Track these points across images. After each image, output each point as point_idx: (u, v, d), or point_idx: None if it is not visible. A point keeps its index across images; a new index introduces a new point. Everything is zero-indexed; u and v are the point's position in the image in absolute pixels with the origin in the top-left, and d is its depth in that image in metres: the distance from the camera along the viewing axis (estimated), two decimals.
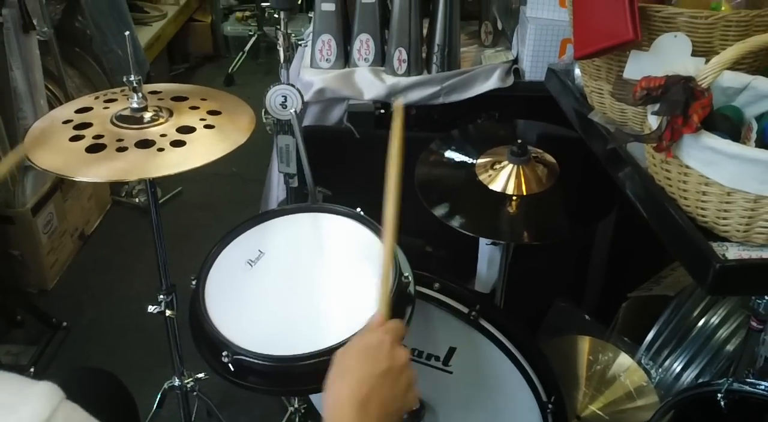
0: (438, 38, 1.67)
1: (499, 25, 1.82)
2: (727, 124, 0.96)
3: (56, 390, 0.52)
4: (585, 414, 1.48)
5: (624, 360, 1.50)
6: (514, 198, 1.28)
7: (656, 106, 0.92)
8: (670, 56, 1.02)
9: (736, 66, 0.97)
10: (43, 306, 2.34)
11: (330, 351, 0.96)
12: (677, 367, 1.51)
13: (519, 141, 1.30)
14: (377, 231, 1.17)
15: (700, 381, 1.47)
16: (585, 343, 1.54)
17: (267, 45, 4.25)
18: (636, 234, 1.67)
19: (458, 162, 1.40)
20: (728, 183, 0.88)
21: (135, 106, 1.26)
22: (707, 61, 0.93)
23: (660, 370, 1.51)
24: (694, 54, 1.02)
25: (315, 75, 1.69)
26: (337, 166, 1.65)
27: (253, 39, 4.19)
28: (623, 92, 1.04)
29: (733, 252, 0.90)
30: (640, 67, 1.05)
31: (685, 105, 0.87)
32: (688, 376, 1.50)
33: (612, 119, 1.19)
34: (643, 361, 1.52)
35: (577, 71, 1.31)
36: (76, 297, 2.48)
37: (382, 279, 0.93)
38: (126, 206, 3.00)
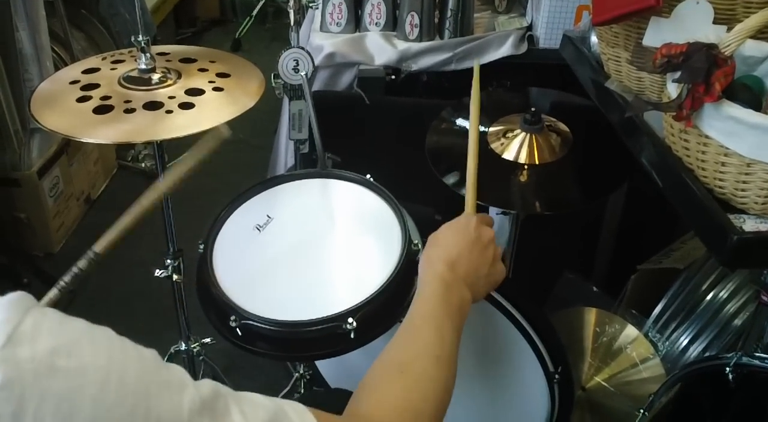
0: (451, 3, 1.64)
1: None
2: (748, 93, 0.93)
3: (27, 297, 0.51)
4: (590, 385, 1.48)
5: (631, 332, 1.49)
6: (526, 167, 1.26)
7: (677, 74, 0.90)
8: (691, 23, 1.00)
9: (758, 34, 0.94)
10: (49, 270, 2.34)
11: (338, 318, 0.96)
12: (684, 340, 1.51)
13: (533, 109, 1.28)
14: (386, 198, 1.16)
15: (707, 354, 1.46)
16: (592, 315, 1.54)
17: (274, 10, 4.20)
18: (647, 206, 1.66)
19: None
20: (748, 154, 0.86)
21: (143, 67, 1.24)
22: (729, 29, 0.91)
23: (667, 343, 1.51)
24: (716, 21, 0.99)
25: (325, 39, 1.67)
26: (347, 132, 1.63)
27: (261, 3, 4.14)
28: (642, 60, 1.02)
29: (750, 225, 0.89)
30: (659, 34, 1.03)
31: (707, 73, 0.85)
32: (695, 350, 1.50)
33: (629, 88, 1.16)
34: (650, 334, 1.51)
35: (594, 38, 1.28)
36: None
37: (470, 174, 1.08)
38: (132, 171, 2.99)
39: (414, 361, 0.79)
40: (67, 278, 0.86)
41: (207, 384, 0.56)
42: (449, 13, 1.64)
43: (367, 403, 0.75)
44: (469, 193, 1.07)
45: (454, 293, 0.88)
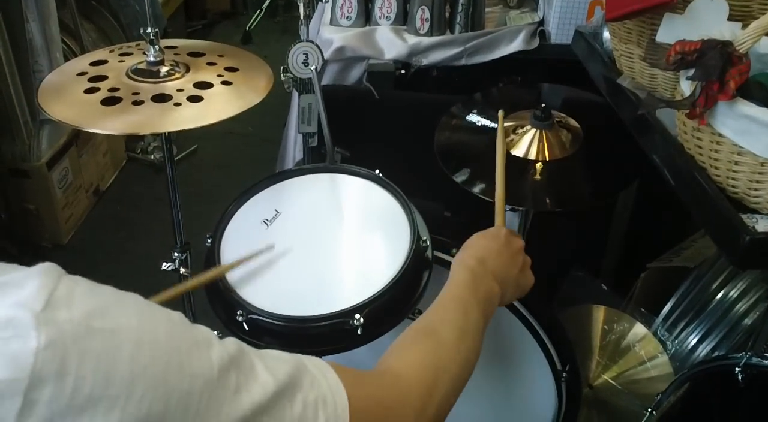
0: None
1: None
2: (762, 92, 0.92)
3: (57, 266, 0.53)
4: (597, 383, 1.47)
5: (639, 330, 1.48)
6: (537, 163, 1.25)
7: (690, 71, 0.88)
8: (705, 20, 0.98)
9: None
10: (58, 261, 2.34)
11: (344, 314, 0.96)
12: (693, 340, 1.50)
13: (543, 105, 1.27)
14: (395, 194, 1.15)
15: (716, 354, 1.45)
16: (600, 313, 1.53)
17: (285, 2, 4.20)
18: (657, 204, 1.65)
19: (480, 126, 1.37)
20: (762, 153, 0.85)
21: (151, 59, 1.24)
22: (744, 26, 0.90)
23: (676, 342, 1.50)
24: (731, 18, 0.97)
25: (335, 33, 1.66)
26: (356, 127, 1.62)
27: None
28: (655, 56, 1.01)
29: (763, 225, 0.88)
30: (673, 30, 1.01)
31: (721, 70, 0.83)
32: (704, 349, 1.49)
33: (641, 84, 1.15)
34: (659, 332, 1.50)
35: (606, 34, 1.27)
36: (90, 253, 2.50)
37: (498, 194, 1.09)
38: (141, 163, 3.00)
39: (439, 328, 0.82)
40: None
41: (232, 342, 0.58)
42: (460, 8, 1.63)
43: (390, 360, 0.77)
44: (499, 212, 1.10)
45: (483, 283, 0.90)
